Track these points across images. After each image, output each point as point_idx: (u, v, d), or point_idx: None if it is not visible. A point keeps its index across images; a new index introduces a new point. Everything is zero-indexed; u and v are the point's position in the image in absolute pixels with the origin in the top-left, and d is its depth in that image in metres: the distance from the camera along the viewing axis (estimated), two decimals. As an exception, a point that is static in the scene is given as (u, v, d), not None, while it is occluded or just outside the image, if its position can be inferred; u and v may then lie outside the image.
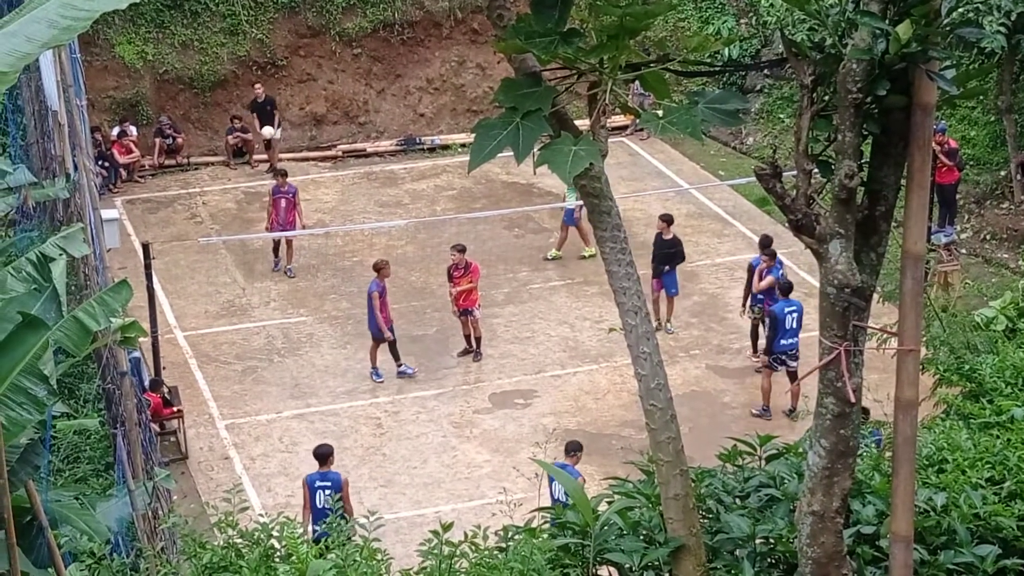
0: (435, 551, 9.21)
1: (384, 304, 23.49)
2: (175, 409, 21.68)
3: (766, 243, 23.90)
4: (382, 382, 23.51)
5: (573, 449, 18.75)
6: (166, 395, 21.75)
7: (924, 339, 14.64)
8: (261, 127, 31.47)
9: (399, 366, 23.69)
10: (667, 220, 25.22)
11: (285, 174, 27.70)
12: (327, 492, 17.78)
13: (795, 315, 22.06)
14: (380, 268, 23.68)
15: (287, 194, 26.94)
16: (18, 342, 12.25)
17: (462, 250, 24.31)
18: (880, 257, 7.94)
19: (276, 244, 27.48)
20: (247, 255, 27.98)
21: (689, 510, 8.95)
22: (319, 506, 17.79)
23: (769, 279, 23.29)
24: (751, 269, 23.80)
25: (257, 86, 31.88)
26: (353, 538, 9.56)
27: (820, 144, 7.74)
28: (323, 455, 18.36)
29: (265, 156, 31.82)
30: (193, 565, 9.34)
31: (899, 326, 7.94)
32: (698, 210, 29.40)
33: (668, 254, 24.84)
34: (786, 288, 22.42)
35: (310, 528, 17.09)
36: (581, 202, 26.79)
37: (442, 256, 27.44)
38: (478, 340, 24.28)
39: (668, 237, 25.01)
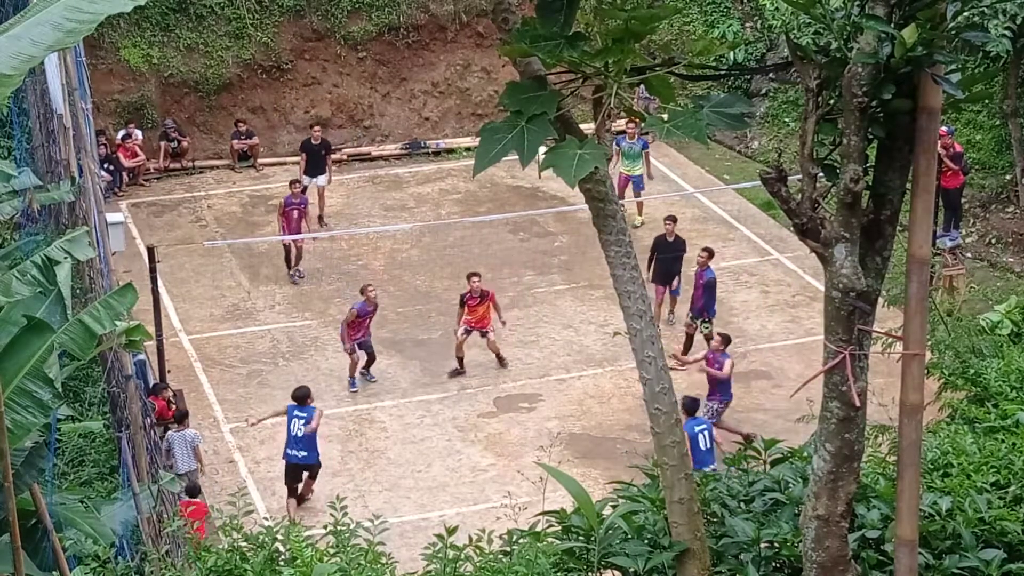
0: (439, 555, 9.21)
1: (359, 324, 23.44)
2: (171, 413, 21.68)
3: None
4: (356, 391, 23.56)
5: (693, 407, 19.66)
6: (170, 399, 21.74)
7: (929, 343, 14.62)
8: (309, 171, 29.51)
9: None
10: (673, 220, 25.67)
11: (299, 183, 27.61)
12: (300, 422, 20.27)
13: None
14: (363, 291, 23.77)
15: (299, 205, 26.88)
16: (23, 345, 12.28)
17: (480, 277, 24.07)
18: (885, 261, 7.93)
19: (288, 255, 27.34)
20: (252, 259, 27.99)
21: (694, 514, 8.94)
22: (292, 432, 20.31)
23: None
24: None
25: (316, 128, 30.30)
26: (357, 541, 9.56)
27: (825, 148, 7.74)
28: (302, 396, 20.48)
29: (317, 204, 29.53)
30: (198, 569, 9.34)
31: (904, 330, 7.93)
32: (703, 214, 29.40)
33: (677, 256, 25.12)
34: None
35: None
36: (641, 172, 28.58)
37: (446, 260, 27.49)
38: (499, 356, 24.08)
39: (672, 239, 25.21)
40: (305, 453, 20.28)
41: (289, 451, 20.34)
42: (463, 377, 23.83)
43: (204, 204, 30.67)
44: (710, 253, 24.08)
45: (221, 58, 32.64)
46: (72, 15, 10.21)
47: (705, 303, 23.83)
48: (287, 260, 27.33)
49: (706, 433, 19.75)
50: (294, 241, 27.11)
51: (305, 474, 20.53)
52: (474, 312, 23.70)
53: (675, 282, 25.16)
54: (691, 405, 19.71)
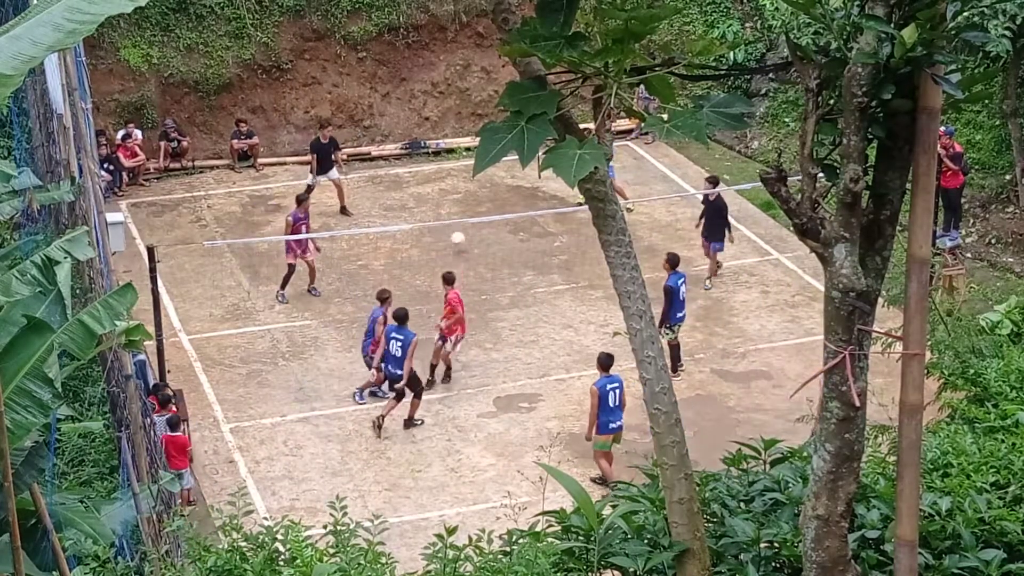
0: (439, 555, 9.21)
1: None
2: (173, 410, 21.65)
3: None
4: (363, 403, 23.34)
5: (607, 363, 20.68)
6: (171, 398, 21.70)
7: (929, 343, 14.62)
8: (319, 170, 29.82)
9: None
10: (713, 181, 26.67)
11: (309, 191, 27.32)
12: (398, 343, 22.12)
13: None
14: (385, 298, 23.38)
15: (306, 220, 26.48)
16: (23, 345, 12.28)
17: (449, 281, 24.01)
18: (885, 261, 7.93)
19: (290, 274, 26.49)
20: (252, 259, 27.99)
21: (694, 514, 8.94)
22: (389, 351, 22.28)
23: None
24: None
25: (325, 128, 30.61)
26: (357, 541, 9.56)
27: (825, 148, 7.74)
28: (401, 317, 22.31)
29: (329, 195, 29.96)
30: (198, 568, 9.34)
31: (904, 330, 7.93)
32: (703, 214, 29.38)
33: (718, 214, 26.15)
34: None
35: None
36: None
37: (447, 261, 27.46)
38: (448, 369, 23.74)
39: (713, 199, 26.21)
40: (393, 368, 22.25)
41: (389, 367, 22.37)
42: (463, 377, 23.82)
43: (204, 204, 30.67)
44: (672, 261, 23.71)
45: (221, 58, 32.63)
46: (72, 16, 10.21)
47: (666, 311, 23.27)
48: (286, 279, 26.48)
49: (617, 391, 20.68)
50: (304, 258, 26.47)
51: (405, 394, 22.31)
52: (447, 318, 23.60)
53: (725, 235, 26.22)
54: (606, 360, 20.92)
